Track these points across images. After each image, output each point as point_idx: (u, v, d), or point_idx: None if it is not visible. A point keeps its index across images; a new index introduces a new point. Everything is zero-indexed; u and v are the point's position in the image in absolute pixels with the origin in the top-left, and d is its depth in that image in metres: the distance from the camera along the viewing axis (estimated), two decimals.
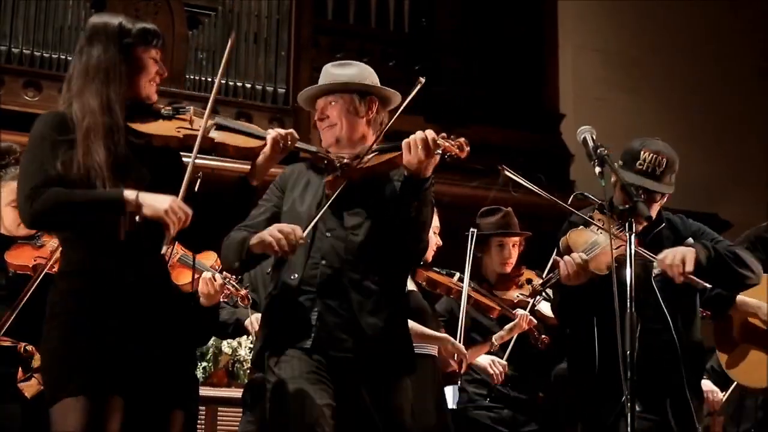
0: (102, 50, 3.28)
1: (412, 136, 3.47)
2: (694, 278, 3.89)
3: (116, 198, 3.09)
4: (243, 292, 4.66)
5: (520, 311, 4.85)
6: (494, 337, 4.95)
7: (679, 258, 3.86)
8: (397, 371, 3.64)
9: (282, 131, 3.40)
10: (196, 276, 4.53)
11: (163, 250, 3.12)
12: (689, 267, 3.85)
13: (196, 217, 3.16)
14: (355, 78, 3.74)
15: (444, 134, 3.54)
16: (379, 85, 3.80)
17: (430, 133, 3.46)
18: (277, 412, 3.49)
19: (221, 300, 4.75)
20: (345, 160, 3.57)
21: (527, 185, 4.10)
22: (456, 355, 4.71)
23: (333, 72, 3.79)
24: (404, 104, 3.69)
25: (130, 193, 3.08)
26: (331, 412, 3.42)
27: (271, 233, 3.41)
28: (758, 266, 4.09)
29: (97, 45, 3.30)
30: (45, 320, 3.24)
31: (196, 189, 3.53)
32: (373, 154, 3.59)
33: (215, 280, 4.55)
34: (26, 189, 3.13)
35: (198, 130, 3.25)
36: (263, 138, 3.38)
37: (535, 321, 4.92)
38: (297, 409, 3.41)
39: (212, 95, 3.44)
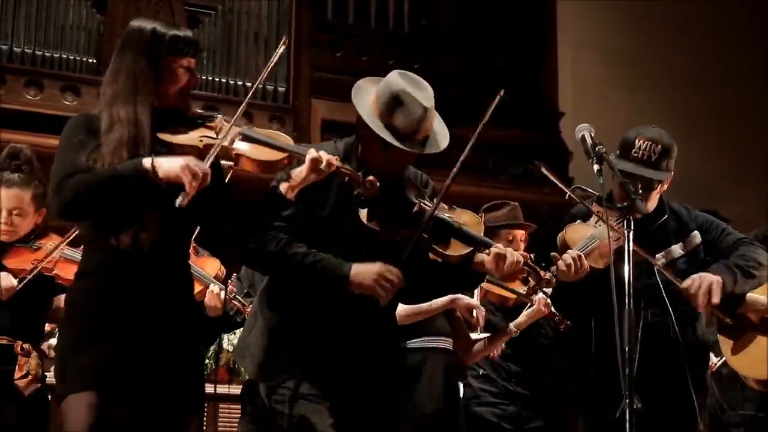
0: (132, 58, 3.26)
1: (510, 254, 3.43)
2: (720, 313, 3.91)
3: (135, 166, 3.10)
4: (249, 309, 4.67)
5: (536, 296, 4.81)
6: (512, 324, 4.93)
7: (705, 288, 3.85)
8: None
9: (324, 156, 3.30)
10: (202, 288, 4.56)
11: (177, 203, 3.07)
12: (715, 299, 3.85)
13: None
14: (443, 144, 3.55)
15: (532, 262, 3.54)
16: None
17: (521, 258, 3.47)
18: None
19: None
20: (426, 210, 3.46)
21: (558, 184, 4.10)
22: (469, 309, 4.71)
23: (437, 127, 3.55)
24: (484, 120, 3.52)
25: (146, 160, 3.10)
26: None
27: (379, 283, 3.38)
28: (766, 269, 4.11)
29: (129, 52, 3.28)
30: (62, 318, 3.28)
31: (226, 180, 3.49)
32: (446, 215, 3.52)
33: (219, 294, 4.59)
34: (53, 183, 3.15)
35: (222, 138, 3.24)
36: (288, 151, 3.33)
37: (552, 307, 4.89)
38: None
39: (243, 104, 3.41)
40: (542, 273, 3.61)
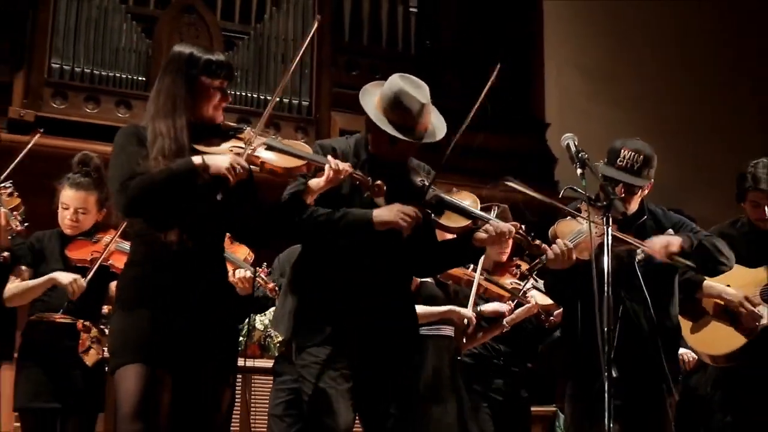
0: (172, 79, 3.29)
1: (504, 227, 3.47)
2: (679, 258, 3.91)
3: (188, 165, 3.13)
4: (271, 285, 4.67)
5: (532, 295, 4.80)
6: (506, 320, 4.91)
7: (665, 241, 3.92)
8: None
9: (341, 164, 3.32)
10: (232, 269, 4.55)
11: (219, 197, 3.13)
12: (674, 249, 3.89)
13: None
14: (440, 135, 3.57)
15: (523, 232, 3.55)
16: None
17: (514, 229, 3.50)
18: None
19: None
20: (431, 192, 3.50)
21: (527, 191, 4.07)
22: (463, 319, 4.70)
23: (435, 121, 3.58)
24: (483, 93, 3.57)
25: (196, 158, 3.14)
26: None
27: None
28: (732, 255, 4.12)
29: (170, 73, 3.30)
30: (114, 301, 3.30)
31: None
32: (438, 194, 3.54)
33: (248, 275, 4.58)
34: (116, 185, 3.18)
35: (250, 148, 3.25)
36: (306, 159, 3.33)
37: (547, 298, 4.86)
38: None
39: (263, 117, 3.41)
40: (531, 240, 3.63)
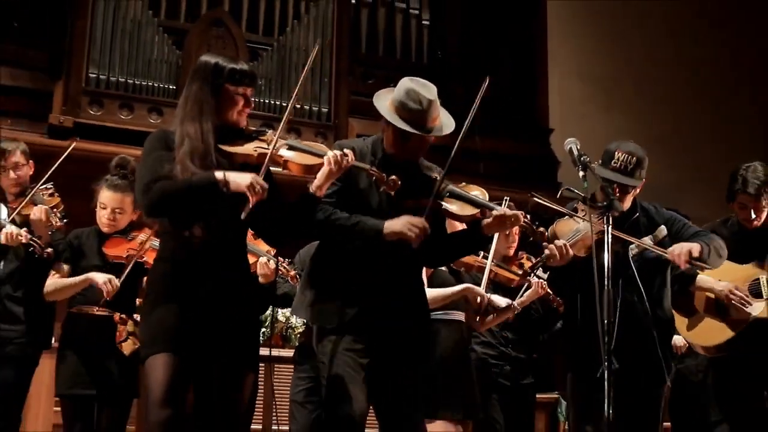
0: (199, 86, 3.29)
1: (510, 213, 3.48)
2: (698, 263, 3.92)
3: (209, 178, 3.13)
4: (292, 273, 4.68)
5: (535, 279, 4.79)
6: (515, 302, 4.90)
7: (686, 249, 3.90)
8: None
9: (339, 153, 3.32)
10: (255, 259, 4.56)
11: (243, 216, 3.12)
12: (696, 254, 3.89)
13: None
14: (447, 130, 3.58)
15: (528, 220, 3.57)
16: None
17: (521, 217, 3.51)
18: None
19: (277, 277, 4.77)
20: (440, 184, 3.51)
21: (551, 205, 4.08)
22: (477, 297, 4.69)
23: (443, 118, 3.59)
24: (476, 104, 3.58)
25: (218, 174, 3.13)
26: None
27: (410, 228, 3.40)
28: (725, 253, 4.12)
29: (197, 81, 3.31)
30: (144, 295, 3.30)
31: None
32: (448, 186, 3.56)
33: (270, 264, 4.58)
34: (140, 186, 3.19)
35: (272, 148, 3.26)
36: (324, 156, 3.33)
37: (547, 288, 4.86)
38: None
39: (283, 120, 3.40)
40: (536, 228, 3.64)
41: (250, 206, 3.12)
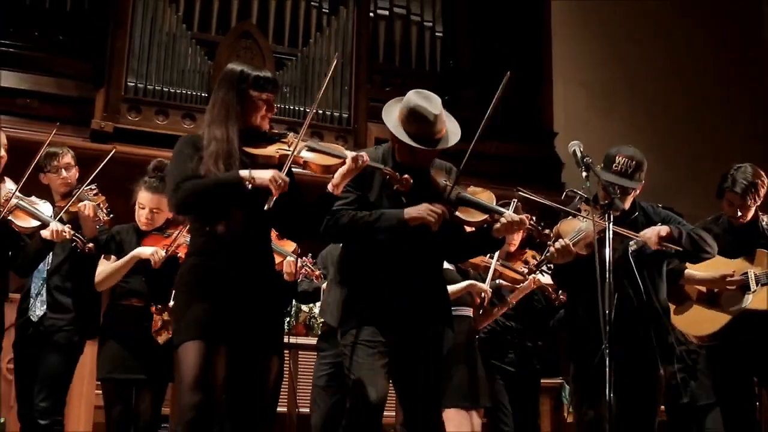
0: (225, 92, 3.29)
1: (518, 217, 3.45)
2: (668, 244, 3.91)
3: (235, 176, 3.13)
4: (317, 272, 4.68)
5: (532, 276, 4.77)
6: (510, 297, 4.90)
7: (656, 230, 3.93)
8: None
9: (357, 153, 3.31)
10: (281, 259, 4.57)
11: (267, 207, 3.11)
12: (664, 234, 3.91)
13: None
14: (454, 140, 3.52)
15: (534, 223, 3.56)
16: None
17: (527, 220, 3.49)
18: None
19: (301, 276, 4.79)
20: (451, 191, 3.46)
21: (538, 199, 4.05)
22: (480, 293, 4.70)
23: (447, 125, 3.51)
24: (496, 97, 3.53)
25: (243, 171, 3.13)
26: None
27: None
28: (715, 245, 4.11)
29: (224, 87, 3.30)
30: (176, 287, 3.30)
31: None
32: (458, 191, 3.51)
33: (296, 263, 4.60)
34: (171, 185, 3.19)
35: (294, 149, 3.25)
36: (341, 157, 3.32)
37: (543, 284, 4.83)
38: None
39: (305, 124, 3.39)
40: (541, 230, 3.65)
41: (274, 198, 3.11)
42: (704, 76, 10.39)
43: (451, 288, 4.54)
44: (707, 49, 10.45)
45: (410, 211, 3.37)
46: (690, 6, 10.45)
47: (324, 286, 4.77)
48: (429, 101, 3.45)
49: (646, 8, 10.23)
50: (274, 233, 4.10)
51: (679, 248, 3.96)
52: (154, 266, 4.33)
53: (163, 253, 4.34)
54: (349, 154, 3.30)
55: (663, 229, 3.94)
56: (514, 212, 3.57)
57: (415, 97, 3.46)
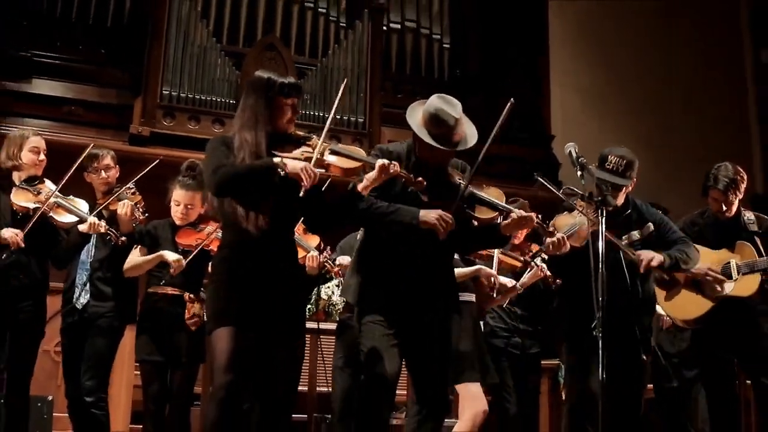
0: (254, 98, 3.27)
1: (526, 215, 3.44)
2: (658, 271, 4.06)
3: (269, 162, 3.12)
4: (336, 269, 4.69)
5: (535, 262, 4.76)
6: (519, 283, 4.88)
7: (648, 257, 3.96)
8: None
9: (387, 162, 3.27)
10: (305, 253, 4.58)
11: (301, 194, 3.11)
12: (655, 264, 3.97)
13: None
14: (472, 142, 3.49)
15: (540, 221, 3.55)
16: None
17: (534, 218, 3.48)
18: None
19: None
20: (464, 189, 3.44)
21: (553, 189, 4.09)
22: (489, 276, 4.67)
23: (466, 129, 3.48)
24: (499, 123, 3.44)
25: (276, 159, 3.12)
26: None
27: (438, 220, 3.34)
28: (697, 256, 4.15)
29: (252, 94, 3.29)
30: (209, 277, 3.31)
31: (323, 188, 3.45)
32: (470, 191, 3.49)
33: (318, 258, 4.61)
34: (209, 170, 3.17)
35: (317, 152, 3.23)
36: (363, 161, 3.30)
37: (548, 271, 4.82)
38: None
39: (325, 128, 3.38)
40: (546, 227, 3.66)
41: (305, 188, 3.09)
42: (691, 80, 10.35)
43: (459, 271, 4.54)
44: (697, 53, 10.42)
45: (425, 215, 3.35)
46: (678, 12, 10.40)
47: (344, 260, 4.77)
48: (451, 105, 3.42)
49: (638, 14, 10.21)
50: (300, 227, 4.10)
51: (664, 276, 4.08)
52: (173, 273, 4.34)
53: (184, 263, 4.35)
54: (378, 162, 3.28)
55: (656, 259, 3.96)
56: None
57: (437, 101, 3.43)
